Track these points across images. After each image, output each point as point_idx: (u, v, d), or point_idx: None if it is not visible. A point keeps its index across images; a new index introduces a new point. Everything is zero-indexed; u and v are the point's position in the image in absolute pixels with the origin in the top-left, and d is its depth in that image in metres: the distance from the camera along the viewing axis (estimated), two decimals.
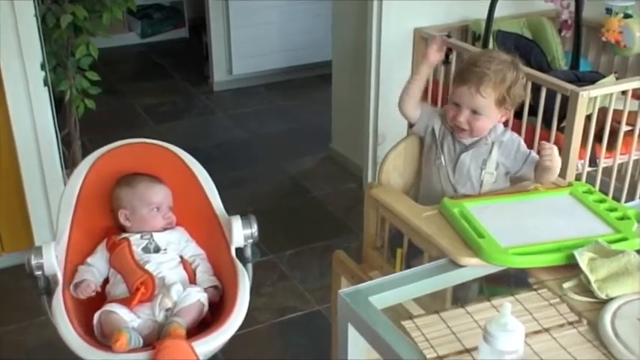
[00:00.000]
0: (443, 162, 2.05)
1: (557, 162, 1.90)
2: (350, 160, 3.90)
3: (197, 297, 1.89)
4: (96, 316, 1.82)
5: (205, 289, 1.96)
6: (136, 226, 2.05)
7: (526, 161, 1.99)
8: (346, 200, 3.61)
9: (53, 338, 1.80)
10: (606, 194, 2.60)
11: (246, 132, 4.44)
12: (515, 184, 2.01)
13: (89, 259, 2.02)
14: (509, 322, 1.19)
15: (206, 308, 1.91)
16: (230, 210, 2.15)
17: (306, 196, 3.69)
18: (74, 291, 1.91)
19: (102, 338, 1.81)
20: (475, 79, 1.92)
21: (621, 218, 1.70)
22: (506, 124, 2.13)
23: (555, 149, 1.89)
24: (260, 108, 4.80)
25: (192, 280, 2.01)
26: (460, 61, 3.04)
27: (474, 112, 1.95)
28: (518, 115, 2.81)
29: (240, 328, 1.85)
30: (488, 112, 1.95)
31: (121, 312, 1.82)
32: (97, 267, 2.00)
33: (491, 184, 2.00)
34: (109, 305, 1.85)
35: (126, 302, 1.86)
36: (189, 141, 3.88)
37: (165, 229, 2.07)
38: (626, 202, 2.55)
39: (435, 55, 2.09)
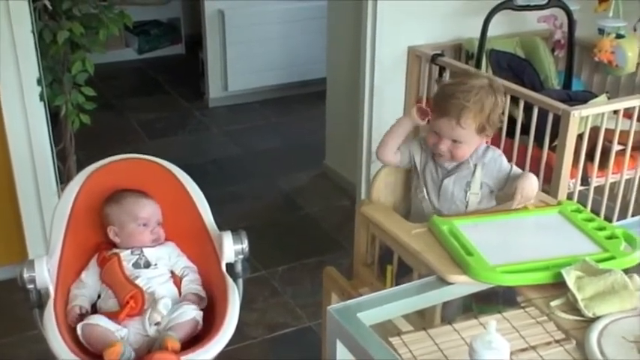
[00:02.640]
0: (425, 195, 2.06)
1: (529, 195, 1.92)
2: (343, 177, 3.91)
3: (193, 314, 1.90)
4: (78, 327, 1.83)
5: (186, 296, 1.97)
6: (124, 241, 2.06)
7: (508, 179, 2.00)
8: (339, 217, 3.62)
9: (46, 352, 1.80)
10: (598, 214, 2.61)
11: (241, 148, 4.46)
12: (502, 202, 2.02)
13: (83, 275, 2.03)
14: (494, 340, 1.21)
15: (200, 326, 1.92)
16: (223, 225, 2.16)
17: (299, 213, 3.70)
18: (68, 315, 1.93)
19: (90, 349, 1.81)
20: (455, 111, 1.93)
21: (609, 237, 1.71)
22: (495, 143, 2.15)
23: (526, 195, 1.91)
24: (255, 124, 4.82)
25: None
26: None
27: (455, 141, 1.97)
28: (510, 133, 2.84)
29: (232, 343, 1.85)
30: (469, 139, 1.97)
31: (104, 323, 1.83)
32: (89, 283, 2.01)
33: (476, 204, 2.01)
34: (91, 318, 1.85)
35: (114, 316, 1.86)
36: (184, 156, 3.90)
37: (154, 245, 2.08)
38: (617, 221, 2.56)
39: (417, 120, 2.07)
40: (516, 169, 2.01)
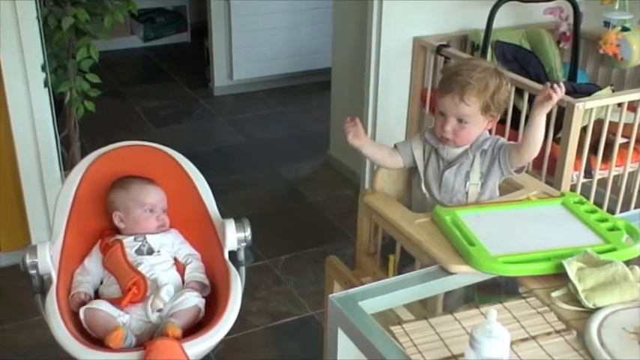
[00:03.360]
0: (424, 189, 2.05)
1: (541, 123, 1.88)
2: (347, 166, 3.91)
3: (195, 302, 1.91)
4: (81, 312, 1.85)
5: (189, 284, 1.98)
6: (129, 227, 2.07)
7: (508, 147, 1.97)
8: (342, 206, 3.62)
9: (49, 338, 1.81)
10: (601, 206, 2.61)
11: (245, 137, 4.46)
12: (506, 193, 2.02)
13: (86, 262, 2.04)
14: (494, 329, 1.21)
15: (202, 313, 1.93)
16: (227, 214, 2.16)
17: (302, 202, 3.71)
18: (71, 300, 1.94)
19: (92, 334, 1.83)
20: (458, 87, 1.93)
21: (611, 229, 1.71)
22: (492, 131, 2.13)
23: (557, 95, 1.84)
24: (260, 113, 4.82)
25: None
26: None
27: (460, 120, 1.96)
28: (514, 125, 2.84)
29: (234, 331, 1.86)
30: (474, 119, 1.95)
31: (106, 308, 1.84)
32: (92, 270, 2.02)
33: (477, 195, 2.00)
34: (93, 302, 1.87)
35: (117, 302, 1.88)
36: (188, 144, 3.91)
37: (158, 231, 2.08)
38: (620, 213, 2.56)
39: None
40: (502, 139, 2.01)
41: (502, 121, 2.73)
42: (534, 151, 1.91)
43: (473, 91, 1.92)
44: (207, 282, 2.03)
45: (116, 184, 2.10)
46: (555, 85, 1.84)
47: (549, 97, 1.84)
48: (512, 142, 2.01)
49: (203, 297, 1.96)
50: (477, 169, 1.99)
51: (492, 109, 1.96)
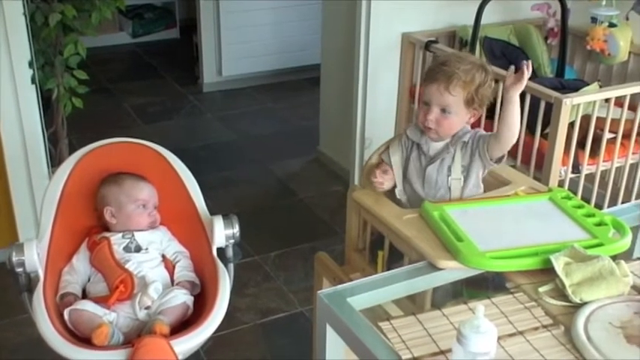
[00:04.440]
0: (402, 192, 2.05)
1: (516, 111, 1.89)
2: (337, 163, 3.92)
3: (183, 299, 1.91)
4: (65, 312, 1.83)
5: (180, 283, 1.98)
6: (121, 223, 2.06)
7: (475, 139, 1.98)
8: (332, 203, 3.63)
9: (37, 336, 1.81)
10: (588, 201, 2.63)
11: (235, 133, 4.46)
12: (491, 189, 2.02)
13: (74, 260, 2.03)
14: (481, 324, 1.21)
15: (191, 310, 1.92)
16: (216, 210, 2.16)
17: (292, 198, 3.71)
18: (60, 302, 1.92)
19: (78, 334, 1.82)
20: (444, 77, 1.94)
21: (598, 224, 1.72)
22: (475, 126, 2.13)
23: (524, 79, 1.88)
24: (249, 109, 4.82)
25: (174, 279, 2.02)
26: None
27: (443, 110, 1.96)
28: None
29: (224, 328, 1.86)
30: (457, 110, 1.96)
31: (91, 308, 1.83)
32: (80, 268, 2.01)
33: (460, 190, 2.00)
34: (78, 303, 1.86)
35: (104, 300, 1.87)
36: (177, 141, 3.90)
37: (147, 228, 2.08)
38: (608, 208, 2.57)
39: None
40: (481, 131, 2.01)
41: (490, 117, 2.75)
42: (513, 135, 1.92)
43: (459, 82, 1.93)
44: (197, 281, 2.02)
45: (108, 179, 2.09)
46: (523, 66, 1.87)
47: (519, 78, 1.86)
48: (490, 133, 2.01)
49: (192, 295, 1.96)
50: (459, 162, 2.00)
51: (475, 103, 1.97)
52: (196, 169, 2.21)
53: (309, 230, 3.40)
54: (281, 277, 3.06)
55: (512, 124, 1.90)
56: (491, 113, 2.78)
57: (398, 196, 2.06)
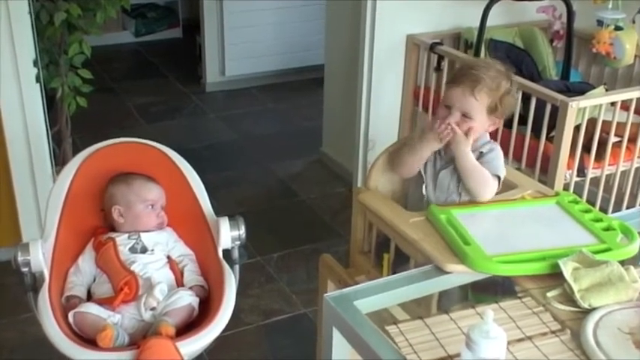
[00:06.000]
0: (424, 190, 2.03)
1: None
2: (340, 164, 3.91)
3: (189, 300, 1.90)
4: (70, 315, 1.82)
5: (191, 287, 1.97)
6: (129, 223, 2.05)
7: (486, 159, 1.97)
8: (335, 204, 3.62)
9: (38, 336, 1.80)
10: (593, 205, 2.61)
11: (237, 133, 4.45)
12: (500, 192, 2.01)
13: (79, 260, 2.02)
14: (491, 330, 1.20)
15: (196, 312, 1.91)
16: (219, 211, 2.15)
17: (295, 199, 3.70)
18: (65, 305, 1.91)
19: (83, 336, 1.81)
20: (470, 81, 1.92)
21: (606, 229, 1.71)
22: (494, 136, 2.11)
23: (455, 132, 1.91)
24: (252, 110, 4.81)
25: (180, 281, 2.01)
26: (451, 68, 3.05)
27: (465, 115, 1.94)
28: (508, 124, 2.83)
29: (227, 329, 1.85)
30: (479, 116, 1.93)
31: (95, 311, 1.82)
32: (86, 269, 2.00)
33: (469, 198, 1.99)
34: (82, 306, 1.84)
35: (108, 302, 1.86)
36: (180, 141, 3.89)
37: (157, 229, 2.07)
38: (613, 212, 2.57)
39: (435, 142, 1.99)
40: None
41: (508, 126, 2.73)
42: (479, 184, 1.92)
43: (484, 88, 1.91)
44: (206, 285, 2.02)
45: (117, 178, 2.08)
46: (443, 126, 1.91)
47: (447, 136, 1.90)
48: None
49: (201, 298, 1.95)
50: None
51: (498, 111, 1.95)
52: (199, 168, 2.20)
53: (311, 231, 3.39)
54: (284, 278, 3.05)
55: (470, 174, 1.91)
56: (510, 122, 2.77)
57: (423, 192, 2.03)
